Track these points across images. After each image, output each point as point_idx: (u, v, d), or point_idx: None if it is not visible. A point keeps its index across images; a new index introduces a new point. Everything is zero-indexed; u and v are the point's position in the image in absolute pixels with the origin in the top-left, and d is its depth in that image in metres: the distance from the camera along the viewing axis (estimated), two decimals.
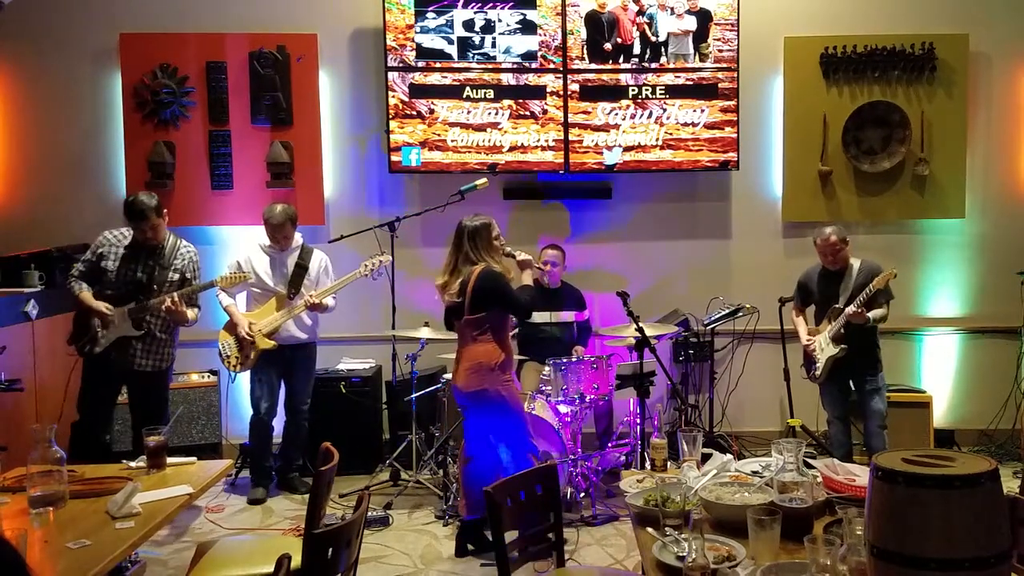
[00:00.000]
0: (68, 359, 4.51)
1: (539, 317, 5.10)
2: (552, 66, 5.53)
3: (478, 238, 3.94)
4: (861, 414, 4.79)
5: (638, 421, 4.69)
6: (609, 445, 5.05)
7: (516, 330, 5.18)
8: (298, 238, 4.96)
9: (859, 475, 2.53)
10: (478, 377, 3.88)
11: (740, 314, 5.43)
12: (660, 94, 5.56)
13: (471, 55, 5.51)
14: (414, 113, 5.50)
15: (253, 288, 4.91)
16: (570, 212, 5.78)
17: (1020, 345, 5.58)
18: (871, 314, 4.54)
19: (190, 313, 4.40)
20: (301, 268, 4.91)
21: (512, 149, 5.54)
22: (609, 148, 5.56)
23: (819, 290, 4.82)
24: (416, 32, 5.47)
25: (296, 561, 2.26)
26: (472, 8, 5.48)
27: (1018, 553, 1.92)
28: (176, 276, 4.41)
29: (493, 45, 5.51)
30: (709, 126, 5.58)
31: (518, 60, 5.52)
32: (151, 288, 4.35)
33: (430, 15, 5.46)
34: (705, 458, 2.80)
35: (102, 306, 4.28)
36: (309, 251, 4.99)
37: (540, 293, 5.21)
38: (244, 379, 5.14)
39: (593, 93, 5.55)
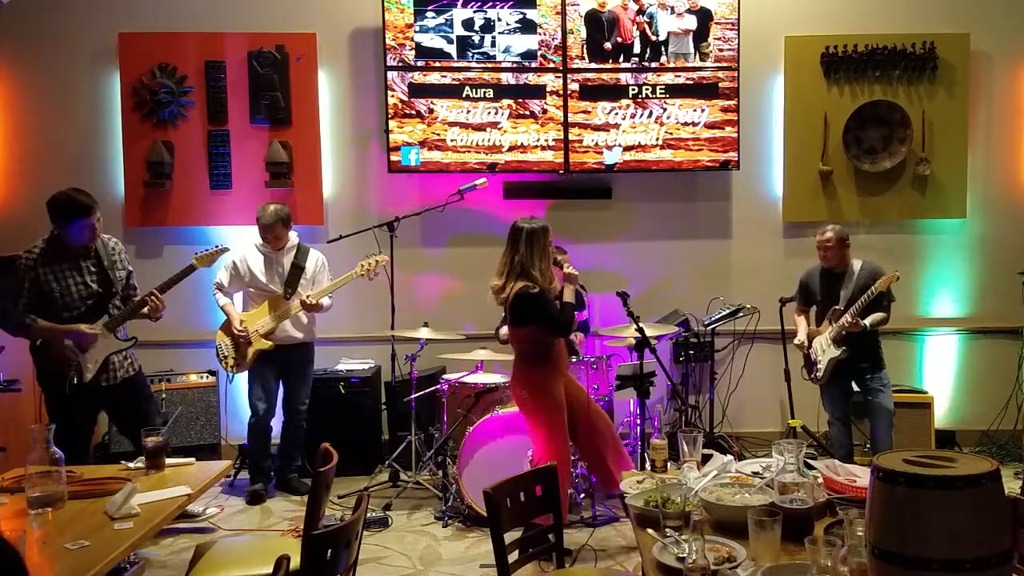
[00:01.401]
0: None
1: None
2: (552, 65, 5.52)
3: (535, 242, 3.91)
4: (868, 413, 4.78)
5: (638, 422, 4.68)
6: None
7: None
8: (293, 238, 4.94)
9: (860, 476, 2.52)
10: (518, 384, 3.98)
11: (740, 314, 5.42)
12: (660, 93, 5.55)
13: (470, 54, 5.50)
14: (413, 112, 5.50)
15: (249, 288, 4.90)
16: (570, 212, 5.77)
17: (1021, 345, 5.57)
18: (867, 320, 4.54)
19: None
20: (297, 268, 4.89)
21: (512, 149, 5.54)
22: (609, 148, 5.56)
23: (820, 291, 4.82)
24: (415, 31, 5.46)
25: (295, 562, 2.25)
26: (471, 7, 5.47)
27: (1019, 554, 1.91)
28: (123, 273, 4.07)
29: (493, 44, 5.50)
30: (709, 126, 5.58)
31: (518, 59, 5.52)
32: (111, 295, 3.99)
33: (429, 14, 5.45)
34: (705, 459, 2.79)
35: (84, 327, 3.87)
36: (305, 251, 4.97)
37: None
38: (242, 380, 5.13)
39: (593, 92, 5.54)
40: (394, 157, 5.51)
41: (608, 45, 5.53)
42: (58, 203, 3.82)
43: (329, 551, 2.23)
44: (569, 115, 5.53)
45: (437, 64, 5.50)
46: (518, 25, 5.50)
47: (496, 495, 2.52)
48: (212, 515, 4.13)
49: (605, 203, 5.73)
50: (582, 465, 4.62)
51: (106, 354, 3.97)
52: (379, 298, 5.34)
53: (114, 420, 4.35)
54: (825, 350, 4.70)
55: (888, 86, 5.64)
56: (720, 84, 5.56)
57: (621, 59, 5.54)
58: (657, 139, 5.57)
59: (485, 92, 5.51)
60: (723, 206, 5.81)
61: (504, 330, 4.77)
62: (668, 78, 5.55)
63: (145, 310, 4.00)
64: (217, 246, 4.39)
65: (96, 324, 3.94)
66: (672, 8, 5.52)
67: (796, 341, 4.86)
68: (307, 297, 4.79)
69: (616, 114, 5.55)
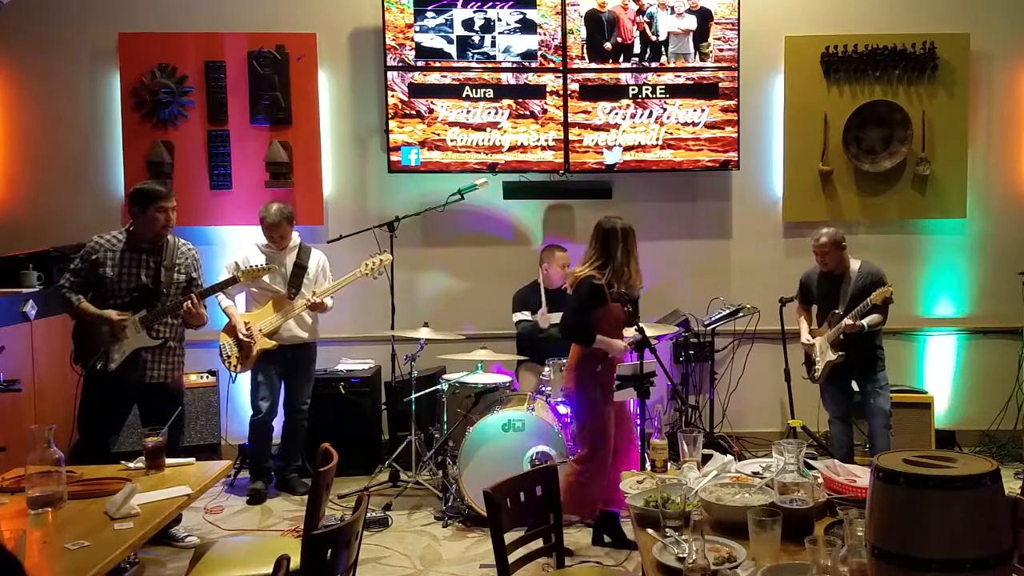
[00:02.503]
0: (68, 359, 4.20)
1: (535, 319, 5.10)
2: (552, 65, 5.52)
3: (629, 240, 4.03)
4: (865, 414, 4.78)
5: (638, 422, 4.67)
6: None
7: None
8: (296, 238, 4.95)
9: (860, 476, 2.52)
10: (569, 376, 4.09)
11: (740, 314, 5.42)
12: (660, 93, 5.55)
13: (470, 54, 5.50)
14: (413, 113, 5.49)
15: (252, 288, 4.89)
16: (570, 212, 5.77)
17: (1021, 345, 5.57)
18: (865, 321, 4.53)
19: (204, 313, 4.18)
20: (300, 268, 4.90)
21: (512, 149, 5.53)
22: (609, 148, 5.55)
23: (819, 292, 4.81)
24: (415, 31, 5.46)
25: (295, 562, 2.25)
26: (471, 7, 5.47)
27: (1019, 554, 1.91)
28: (183, 277, 4.13)
29: (493, 44, 5.50)
30: (709, 126, 5.57)
31: (518, 59, 5.51)
32: (159, 293, 4.03)
33: (429, 14, 5.45)
34: (705, 459, 2.79)
35: (113, 314, 3.93)
36: (307, 250, 4.98)
37: (540, 294, 5.21)
38: (244, 379, 5.13)
39: (593, 92, 5.54)
40: (394, 157, 5.51)
41: (608, 45, 5.53)
42: (136, 189, 4.09)
43: (329, 551, 2.23)
44: (569, 115, 5.52)
45: (437, 64, 5.49)
46: (518, 25, 5.50)
47: (496, 495, 2.52)
48: (193, 543, 4.16)
49: (605, 203, 5.71)
50: None
51: (134, 348, 4.01)
52: (379, 298, 5.34)
53: (141, 420, 4.33)
54: (823, 352, 4.70)
55: (888, 86, 5.64)
56: (720, 84, 5.56)
57: (621, 59, 5.54)
58: (657, 139, 5.57)
59: (485, 92, 5.51)
60: (723, 206, 5.81)
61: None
62: (668, 78, 5.55)
63: (184, 310, 4.05)
64: (264, 266, 4.50)
65: (128, 314, 3.99)
66: (672, 8, 5.51)
67: (803, 340, 4.86)
68: (312, 296, 4.79)
69: (616, 114, 5.54)
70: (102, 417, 4.09)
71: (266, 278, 4.84)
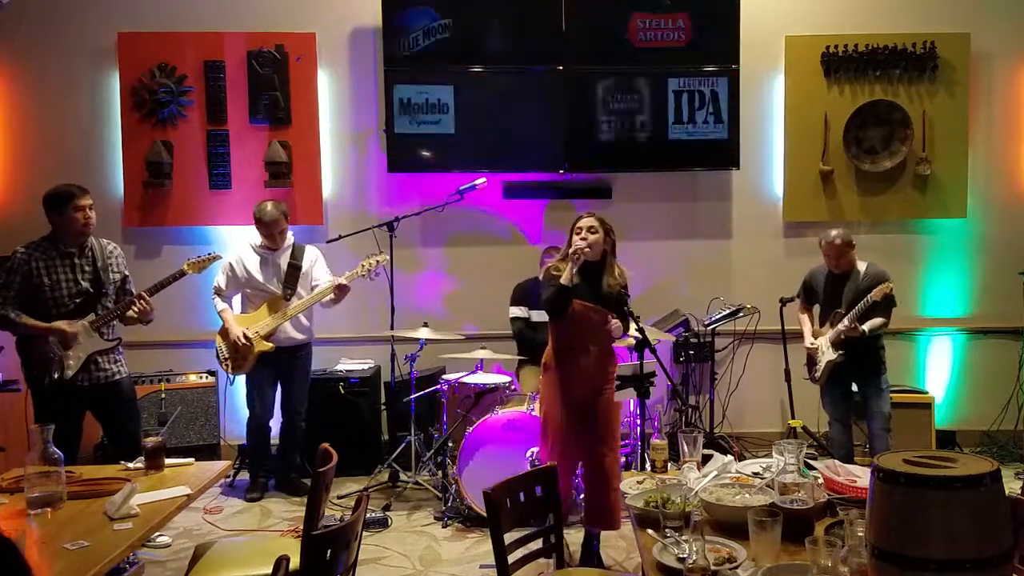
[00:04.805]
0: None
1: (537, 317, 5.09)
2: (552, 65, 5.51)
3: None
4: (865, 416, 4.77)
5: (638, 422, 4.67)
6: None
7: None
8: (289, 237, 4.94)
9: (860, 476, 2.52)
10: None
11: (741, 315, 5.42)
12: (660, 93, 5.54)
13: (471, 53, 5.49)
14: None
15: (247, 290, 4.88)
16: (570, 212, 5.75)
17: (1022, 346, 5.57)
18: (866, 326, 4.51)
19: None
20: (294, 268, 4.87)
21: (512, 148, 5.52)
22: (609, 146, 5.54)
23: (824, 292, 4.80)
24: None
25: (295, 562, 2.25)
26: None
27: (1019, 554, 1.91)
28: (118, 276, 4.06)
29: (493, 44, 5.49)
30: (710, 124, 5.57)
31: (518, 58, 5.50)
32: (101, 295, 3.97)
33: None
34: (706, 459, 2.79)
35: (63, 324, 3.83)
36: (301, 249, 4.96)
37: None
38: (242, 380, 5.12)
39: (593, 92, 5.53)
40: (394, 157, 5.50)
41: (609, 44, 5.51)
42: (50, 194, 3.94)
43: (329, 552, 2.23)
44: (569, 114, 5.51)
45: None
46: (518, 24, 5.49)
47: (496, 495, 2.52)
48: (164, 544, 4.20)
49: (605, 203, 5.72)
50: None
51: (89, 352, 3.92)
52: (379, 298, 5.34)
53: (98, 423, 4.26)
54: (825, 352, 4.70)
55: (888, 86, 5.64)
56: (720, 84, 5.54)
57: (621, 58, 5.53)
58: (657, 139, 5.55)
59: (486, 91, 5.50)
60: (723, 206, 5.81)
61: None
62: (668, 77, 5.54)
63: (133, 312, 3.96)
64: (210, 253, 4.33)
65: (77, 322, 3.89)
66: (672, 7, 5.51)
67: (806, 343, 4.83)
68: (344, 278, 4.75)
69: (616, 112, 5.53)
70: (63, 430, 3.82)
71: (260, 278, 4.83)
